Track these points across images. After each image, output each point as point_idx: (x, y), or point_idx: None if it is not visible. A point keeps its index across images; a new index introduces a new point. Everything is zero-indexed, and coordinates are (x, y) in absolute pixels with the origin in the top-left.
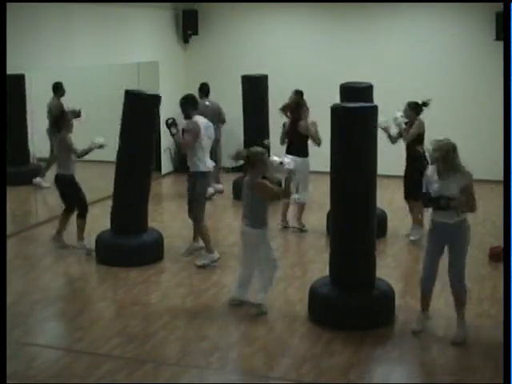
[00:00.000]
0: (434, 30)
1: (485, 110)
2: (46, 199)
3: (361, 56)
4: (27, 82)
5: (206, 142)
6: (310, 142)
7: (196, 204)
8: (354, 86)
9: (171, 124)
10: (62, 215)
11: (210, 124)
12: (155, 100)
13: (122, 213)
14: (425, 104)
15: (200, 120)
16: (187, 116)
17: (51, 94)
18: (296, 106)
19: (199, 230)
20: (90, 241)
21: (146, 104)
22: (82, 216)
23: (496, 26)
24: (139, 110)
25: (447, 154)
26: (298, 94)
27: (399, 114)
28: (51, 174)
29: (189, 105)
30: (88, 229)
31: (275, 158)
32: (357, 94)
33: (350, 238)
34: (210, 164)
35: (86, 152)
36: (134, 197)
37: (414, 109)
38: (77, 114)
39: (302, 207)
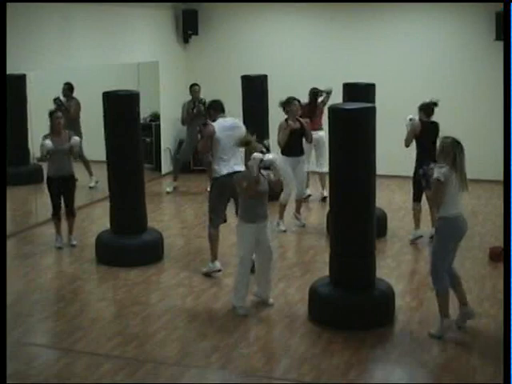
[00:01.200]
0: (434, 30)
1: (485, 110)
2: (45, 199)
3: (361, 56)
4: (27, 81)
5: (225, 143)
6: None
7: (208, 209)
8: (356, 85)
9: (198, 131)
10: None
11: (233, 125)
12: (132, 98)
13: (120, 213)
14: (435, 104)
15: (220, 123)
16: (213, 120)
17: (51, 93)
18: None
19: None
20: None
21: (123, 103)
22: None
23: (496, 26)
24: (118, 109)
25: (441, 148)
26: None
27: (409, 117)
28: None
29: (211, 109)
30: (88, 229)
31: (258, 155)
32: (359, 93)
33: (349, 238)
34: (227, 168)
35: (41, 158)
36: (129, 196)
37: (423, 110)
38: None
39: (281, 206)
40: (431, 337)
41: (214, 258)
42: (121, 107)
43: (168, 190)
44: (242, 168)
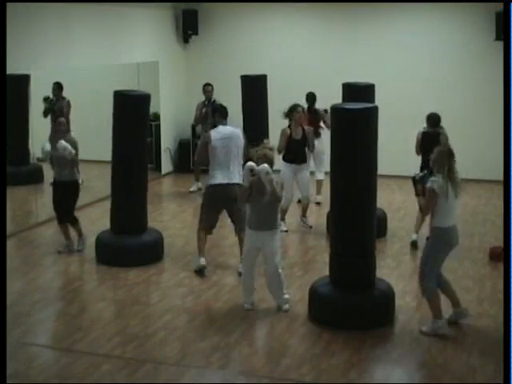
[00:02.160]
0: (434, 30)
1: (485, 110)
2: (46, 199)
3: (361, 56)
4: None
5: (219, 152)
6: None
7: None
8: (355, 85)
9: (198, 137)
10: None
11: (231, 134)
12: (144, 99)
13: (121, 213)
14: (437, 116)
15: (218, 130)
16: (214, 125)
17: (51, 94)
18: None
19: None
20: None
21: (135, 104)
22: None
23: (496, 26)
24: (129, 110)
25: (436, 158)
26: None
27: (423, 126)
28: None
29: (217, 113)
30: (88, 229)
31: (249, 164)
32: (359, 93)
33: (349, 238)
34: (218, 179)
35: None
36: (132, 196)
37: (427, 120)
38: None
39: (282, 211)
40: (421, 333)
41: (200, 254)
42: (131, 108)
43: (191, 189)
44: (236, 179)
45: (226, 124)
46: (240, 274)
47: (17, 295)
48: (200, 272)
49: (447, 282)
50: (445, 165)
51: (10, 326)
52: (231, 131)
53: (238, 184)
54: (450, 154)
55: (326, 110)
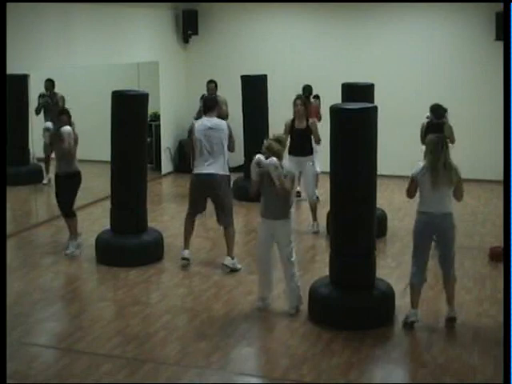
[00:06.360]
0: (434, 30)
1: (485, 110)
2: (45, 199)
3: (361, 56)
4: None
5: (201, 143)
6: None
7: None
8: (355, 85)
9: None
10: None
11: (213, 126)
12: (142, 98)
13: (121, 213)
14: (443, 108)
15: (201, 122)
16: (198, 117)
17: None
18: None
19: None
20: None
21: (133, 103)
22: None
23: (496, 26)
24: (127, 109)
25: (425, 147)
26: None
27: (426, 115)
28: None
29: (203, 105)
30: (88, 229)
31: (257, 157)
32: (358, 93)
33: (349, 238)
34: (199, 168)
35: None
36: (131, 196)
37: (431, 111)
38: None
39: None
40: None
41: (185, 246)
42: (129, 107)
43: None
44: (219, 170)
45: (213, 116)
46: (227, 267)
47: (17, 295)
48: (184, 264)
49: (447, 279)
50: (429, 153)
51: (10, 326)
52: (214, 123)
53: (220, 175)
54: (437, 143)
55: (315, 96)
